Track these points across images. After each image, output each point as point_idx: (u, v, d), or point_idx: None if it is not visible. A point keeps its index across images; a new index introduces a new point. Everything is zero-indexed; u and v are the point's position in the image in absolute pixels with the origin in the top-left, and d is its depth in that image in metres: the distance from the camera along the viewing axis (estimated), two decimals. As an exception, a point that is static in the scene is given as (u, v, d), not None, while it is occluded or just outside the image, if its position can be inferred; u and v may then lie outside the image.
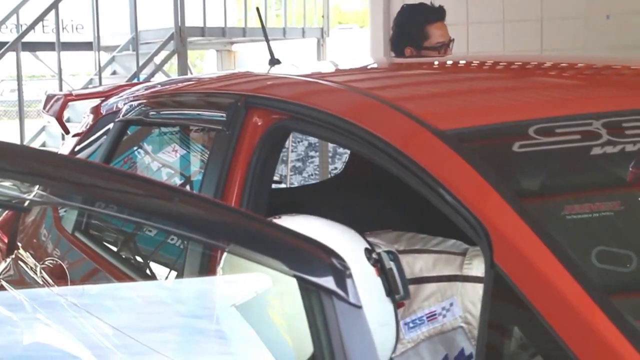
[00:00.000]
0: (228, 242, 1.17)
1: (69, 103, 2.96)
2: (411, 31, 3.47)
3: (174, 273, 2.17)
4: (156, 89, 2.53)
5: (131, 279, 2.06)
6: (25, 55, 8.03)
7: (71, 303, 1.32)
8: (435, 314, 1.69)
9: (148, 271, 2.33)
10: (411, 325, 1.68)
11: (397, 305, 1.52)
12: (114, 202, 1.16)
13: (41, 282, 2.35)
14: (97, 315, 1.27)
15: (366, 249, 1.51)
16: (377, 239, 1.66)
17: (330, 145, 5.84)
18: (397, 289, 1.49)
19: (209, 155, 1.97)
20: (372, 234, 1.71)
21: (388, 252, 1.52)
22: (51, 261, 2.39)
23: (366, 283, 1.47)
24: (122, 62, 8.66)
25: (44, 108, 3.03)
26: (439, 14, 3.48)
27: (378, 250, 1.52)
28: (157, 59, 8.04)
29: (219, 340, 1.28)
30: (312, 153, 6.97)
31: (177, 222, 1.14)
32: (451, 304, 1.67)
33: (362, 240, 1.54)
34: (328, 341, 1.05)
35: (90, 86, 7.13)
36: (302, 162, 7.03)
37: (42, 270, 2.38)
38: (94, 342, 1.23)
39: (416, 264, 1.73)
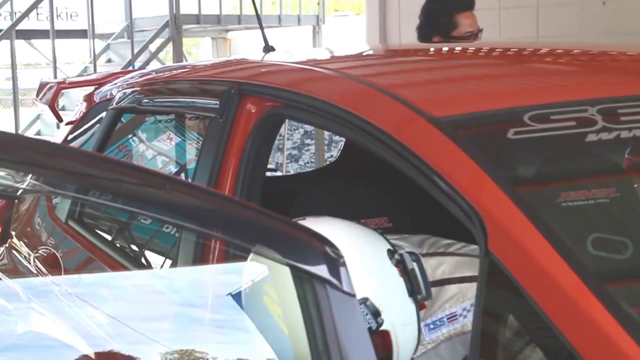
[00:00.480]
0: (220, 230, 1.16)
1: (63, 91, 2.94)
2: (439, 19, 3.40)
3: (169, 262, 2.17)
4: (150, 76, 2.52)
5: (125, 268, 2.05)
6: (19, 43, 8.00)
7: (66, 292, 1.32)
8: (455, 315, 1.70)
9: (142, 260, 2.32)
10: (432, 326, 1.69)
11: (419, 306, 1.53)
12: (105, 191, 1.16)
13: (35, 271, 2.34)
14: (94, 304, 1.26)
15: (389, 250, 1.52)
16: (401, 241, 1.68)
17: (327, 133, 5.84)
18: (419, 289, 1.50)
19: (202, 143, 1.97)
20: (396, 237, 1.72)
21: (410, 254, 1.53)
22: (45, 250, 2.39)
23: (389, 283, 1.48)
24: (117, 50, 8.63)
25: (37, 96, 3.02)
26: (468, 2, 3.40)
27: (400, 252, 1.53)
28: (152, 47, 8.02)
29: (216, 329, 1.28)
30: (308, 141, 6.96)
31: (169, 210, 1.13)
32: (472, 305, 1.67)
33: (384, 241, 1.55)
34: (321, 329, 1.05)
35: (84, 74, 7.10)
36: (298, 150, 7.02)
37: (36, 259, 2.37)
38: (90, 331, 1.23)
39: (439, 267, 1.75)
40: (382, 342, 1.46)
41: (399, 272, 1.50)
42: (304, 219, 1.57)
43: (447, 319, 1.69)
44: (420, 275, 1.51)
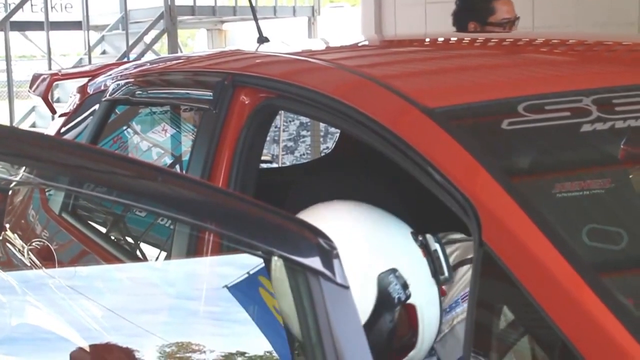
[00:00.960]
0: (212, 222, 1.16)
1: (58, 83, 2.94)
2: (476, 5, 3.37)
3: (164, 254, 2.16)
4: (144, 67, 2.51)
5: (119, 260, 2.04)
6: (14, 35, 7.97)
7: (62, 285, 1.31)
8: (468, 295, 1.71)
9: (136, 252, 2.32)
10: (447, 309, 1.70)
11: (440, 292, 1.55)
12: (96, 183, 1.15)
13: (28, 264, 2.34)
14: (89, 296, 1.26)
15: (412, 232, 1.54)
16: None
17: (322, 125, 5.83)
18: (442, 270, 1.52)
19: (195, 134, 1.96)
20: None
21: (433, 235, 1.54)
22: (38, 242, 2.38)
23: (414, 260, 1.49)
24: (111, 42, 8.60)
25: (31, 88, 3.01)
26: None
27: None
28: (147, 39, 7.99)
29: (212, 321, 1.27)
30: (304, 132, 6.95)
31: (161, 202, 1.13)
32: None
33: (405, 224, 1.57)
34: (315, 322, 1.04)
35: (78, 66, 7.08)
36: (293, 141, 7.01)
37: (30, 252, 2.37)
38: (85, 324, 1.22)
39: (453, 253, 1.76)
40: (408, 316, 1.47)
41: (423, 252, 1.52)
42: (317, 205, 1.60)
43: (461, 299, 1.70)
44: (442, 255, 1.52)
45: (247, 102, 1.80)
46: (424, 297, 1.49)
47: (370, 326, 1.43)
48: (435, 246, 1.52)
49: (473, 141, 1.36)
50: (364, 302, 1.44)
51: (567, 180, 1.38)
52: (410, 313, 1.48)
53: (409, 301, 1.47)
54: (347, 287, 1.07)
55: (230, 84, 1.84)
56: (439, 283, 1.52)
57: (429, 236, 1.53)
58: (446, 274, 1.51)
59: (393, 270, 1.46)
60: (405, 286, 1.46)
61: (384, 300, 1.44)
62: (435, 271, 1.51)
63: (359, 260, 1.46)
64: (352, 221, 1.54)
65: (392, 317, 1.46)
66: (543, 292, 1.17)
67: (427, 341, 1.51)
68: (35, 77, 3.01)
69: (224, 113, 1.81)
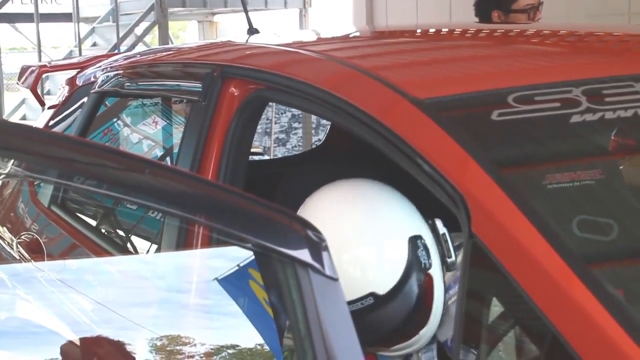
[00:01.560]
0: (199, 214, 1.15)
1: (48, 75, 2.93)
2: None
3: (154, 247, 2.15)
4: (133, 59, 2.49)
5: (108, 253, 2.04)
6: (3, 27, 7.93)
7: (51, 278, 1.31)
8: None
9: (125, 245, 2.31)
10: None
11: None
12: (84, 175, 1.14)
13: (17, 257, 2.33)
14: (79, 290, 1.25)
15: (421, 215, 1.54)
16: None
17: (314, 117, 5.82)
18: (450, 253, 1.51)
19: (185, 126, 1.95)
20: None
21: (440, 220, 1.54)
22: (28, 235, 2.37)
23: (429, 238, 1.49)
24: (102, 34, 8.57)
25: (19, 80, 2.99)
26: None
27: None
28: (138, 31, 7.97)
29: (203, 314, 1.27)
30: (295, 124, 6.94)
31: (149, 195, 1.12)
32: None
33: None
34: (304, 314, 1.04)
35: (68, 58, 7.05)
36: (285, 133, 7.01)
37: (19, 245, 2.36)
38: (76, 317, 1.22)
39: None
40: (427, 287, 1.47)
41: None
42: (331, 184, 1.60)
43: (452, 282, 1.70)
44: (450, 239, 1.52)
45: (236, 94, 1.79)
46: (438, 273, 1.48)
47: (398, 288, 1.42)
48: (444, 230, 1.52)
49: (463, 132, 1.36)
50: (397, 262, 1.43)
51: (557, 171, 1.38)
52: (428, 285, 1.47)
53: (429, 271, 1.47)
54: (336, 279, 1.06)
55: (219, 75, 1.83)
56: (446, 266, 1.52)
57: (437, 220, 1.53)
58: (453, 256, 1.51)
59: (419, 237, 1.46)
60: (428, 255, 1.46)
61: (412, 263, 1.44)
62: (443, 254, 1.50)
63: (393, 221, 1.46)
64: (385, 189, 1.55)
65: (419, 282, 1.45)
66: (533, 283, 1.17)
67: (435, 321, 1.50)
68: (24, 69, 2.99)
69: (213, 105, 1.80)
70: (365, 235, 1.45)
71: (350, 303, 1.36)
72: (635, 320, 1.12)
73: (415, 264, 1.44)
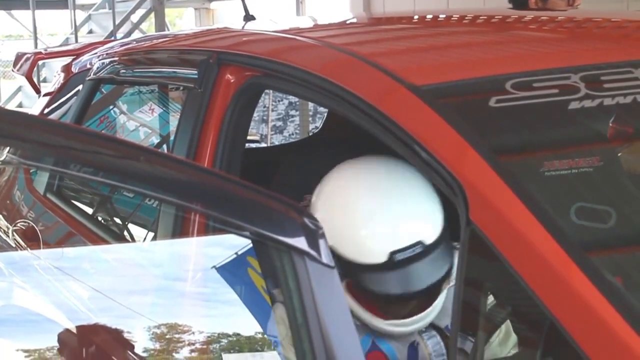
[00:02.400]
0: (194, 202, 1.14)
1: (45, 62, 2.92)
2: None
3: (151, 235, 2.15)
4: (129, 46, 2.48)
5: (105, 241, 2.03)
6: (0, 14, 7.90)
7: (49, 266, 1.30)
8: None
9: (120, 232, 2.31)
10: None
11: None
12: (79, 163, 1.13)
13: (13, 245, 2.32)
14: (77, 278, 1.25)
15: None
16: None
17: (311, 104, 5.81)
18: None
19: (180, 113, 1.94)
20: None
21: None
22: (24, 223, 2.36)
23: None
24: (98, 21, 8.55)
25: (15, 67, 2.98)
26: None
27: None
28: (134, 18, 7.94)
29: (201, 302, 1.27)
30: (292, 112, 6.92)
31: (145, 183, 1.11)
32: None
33: None
34: (300, 302, 1.03)
35: (63, 45, 7.02)
36: (282, 121, 6.99)
37: (15, 233, 2.35)
38: (74, 305, 1.22)
39: None
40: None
41: None
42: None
43: None
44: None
45: (232, 81, 1.78)
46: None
47: (440, 240, 1.48)
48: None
49: (460, 119, 1.35)
50: (438, 216, 1.50)
51: (555, 159, 1.37)
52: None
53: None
54: (332, 267, 1.06)
55: (215, 62, 1.82)
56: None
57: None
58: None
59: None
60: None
61: (446, 225, 1.50)
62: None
63: (427, 183, 1.50)
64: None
65: (453, 244, 1.51)
66: (531, 271, 1.16)
67: (442, 297, 1.53)
68: (19, 56, 2.98)
69: (209, 92, 1.79)
70: (413, 190, 1.50)
71: (401, 250, 1.45)
72: (633, 307, 1.12)
73: (447, 227, 1.51)
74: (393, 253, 1.45)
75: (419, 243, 1.46)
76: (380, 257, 1.45)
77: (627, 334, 1.07)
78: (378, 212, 1.48)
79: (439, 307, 1.53)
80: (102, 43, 2.87)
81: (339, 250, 1.47)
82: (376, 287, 1.47)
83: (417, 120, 1.37)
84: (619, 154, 1.59)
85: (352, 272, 1.48)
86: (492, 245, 1.20)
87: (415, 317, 1.51)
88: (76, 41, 7.62)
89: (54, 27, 13.18)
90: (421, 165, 1.32)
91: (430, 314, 1.52)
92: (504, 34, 1.95)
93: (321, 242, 1.06)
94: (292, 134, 6.80)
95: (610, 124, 1.47)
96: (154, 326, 1.19)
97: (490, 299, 1.36)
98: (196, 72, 1.86)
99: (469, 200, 1.24)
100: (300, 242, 1.05)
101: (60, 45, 6.32)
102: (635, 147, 1.65)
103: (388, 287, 1.47)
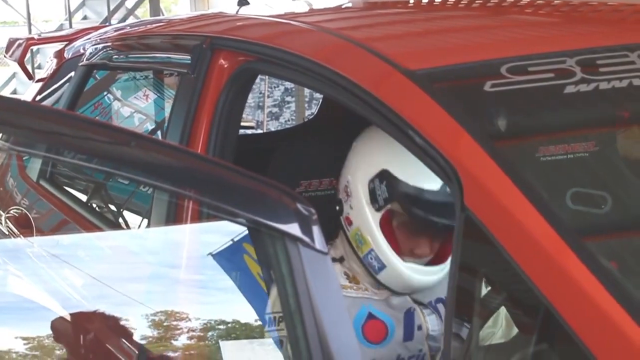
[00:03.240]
0: (187, 188, 1.13)
1: (39, 49, 2.91)
2: None
3: (145, 223, 2.14)
4: (123, 31, 2.46)
5: (98, 228, 2.02)
6: (-7, 0, 7.86)
7: (43, 253, 1.30)
8: None
9: (115, 219, 2.30)
10: None
11: None
12: (71, 149, 1.12)
13: (6, 232, 2.31)
14: (73, 265, 1.24)
15: None
16: None
17: (307, 90, 5.79)
18: None
19: (174, 99, 1.93)
20: None
21: None
22: (16, 210, 2.35)
23: None
24: (92, 7, 8.51)
25: (7, 53, 2.96)
26: None
27: None
28: (129, 4, 7.91)
29: (198, 289, 1.26)
30: (288, 98, 6.91)
31: (137, 169, 1.10)
32: None
33: None
34: (293, 288, 1.03)
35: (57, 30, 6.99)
36: (278, 107, 6.97)
37: (7, 220, 2.34)
38: (70, 293, 1.21)
39: None
40: None
41: None
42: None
43: None
44: None
45: (225, 66, 1.76)
46: None
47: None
48: None
49: (455, 104, 1.34)
50: None
51: (551, 143, 1.36)
52: None
53: None
54: (325, 253, 1.05)
55: (208, 47, 1.81)
56: None
57: None
58: None
59: None
60: None
61: None
62: None
63: None
64: None
65: None
66: (526, 256, 1.16)
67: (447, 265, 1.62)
68: (11, 42, 2.96)
69: (202, 77, 1.78)
70: None
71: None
72: (629, 292, 1.11)
73: None
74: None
75: None
76: (435, 185, 1.53)
77: (622, 319, 1.07)
78: None
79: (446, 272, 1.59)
80: (95, 28, 2.85)
81: (396, 173, 1.56)
82: (422, 210, 1.55)
83: (412, 104, 1.36)
84: (615, 139, 1.58)
85: (399, 195, 1.56)
86: (487, 231, 1.19)
87: (429, 268, 1.59)
88: (70, 27, 7.59)
89: (49, 13, 13.13)
90: (416, 150, 1.31)
91: (440, 272, 1.59)
92: (499, 18, 1.94)
93: (314, 228, 1.05)
94: (288, 121, 6.79)
95: (606, 108, 1.46)
96: (150, 314, 1.19)
97: (485, 284, 1.35)
98: (189, 57, 1.84)
99: (463, 186, 1.23)
100: (294, 229, 1.04)
101: (53, 31, 6.29)
102: (632, 132, 1.64)
103: (432, 211, 1.55)
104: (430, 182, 1.53)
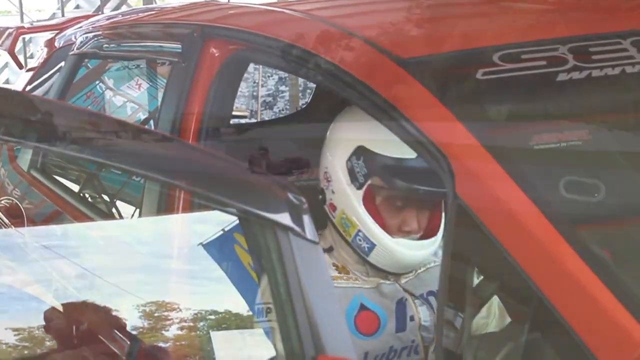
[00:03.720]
0: (180, 178, 1.13)
1: (32, 38, 2.89)
2: None
3: (136, 213, 2.13)
4: (114, 20, 2.45)
5: (89, 218, 2.02)
6: (-16, -10, 7.82)
7: (35, 243, 1.30)
8: None
9: (105, 208, 2.29)
10: None
11: None
12: (62, 140, 1.11)
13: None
14: (65, 256, 1.24)
15: None
16: None
17: (301, 80, 5.78)
18: None
19: (165, 88, 1.92)
20: None
21: None
22: (7, 200, 2.34)
23: None
24: (85, -4, 8.47)
25: (-3, 41, 2.94)
26: None
27: None
28: (121, -7, 7.87)
29: (189, 280, 1.26)
30: (282, 88, 6.89)
31: (128, 159, 1.09)
32: None
33: None
34: (284, 277, 1.02)
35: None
36: (272, 97, 6.96)
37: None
38: (62, 283, 1.21)
39: None
40: None
41: None
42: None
43: None
44: None
45: (216, 55, 1.76)
46: None
47: None
48: None
49: (448, 92, 1.33)
50: None
51: (543, 132, 1.36)
52: None
53: None
54: (316, 243, 1.04)
55: (199, 36, 1.80)
56: None
57: None
58: None
59: None
60: None
61: None
62: None
63: None
64: None
65: None
66: (518, 245, 1.15)
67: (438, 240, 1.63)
68: (1, 31, 2.94)
69: (193, 66, 1.77)
70: None
71: None
72: (621, 281, 1.11)
73: None
74: None
75: None
76: (411, 154, 1.50)
77: (614, 308, 1.07)
78: None
79: (437, 245, 1.60)
80: (86, 17, 2.84)
81: (371, 147, 1.55)
82: (402, 180, 1.54)
83: (404, 93, 1.35)
84: (608, 127, 1.58)
85: (377, 168, 1.55)
86: (478, 220, 1.18)
87: (419, 242, 1.58)
88: (62, 17, 7.56)
89: (41, 3, 13.07)
90: (407, 138, 1.30)
91: (431, 246, 1.59)
92: (491, 5, 1.93)
93: (305, 217, 1.05)
94: (282, 110, 6.78)
95: (599, 96, 1.46)
96: (141, 304, 1.18)
97: (477, 273, 1.35)
98: (180, 46, 1.84)
99: (455, 174, 1.22)
100: (284, 218, 1.04)
101: (44, 20, 6.26)
102: (624, 120, 1.63)
103: (412, 180, 1.53)
104: (406, 152, 1.50)
